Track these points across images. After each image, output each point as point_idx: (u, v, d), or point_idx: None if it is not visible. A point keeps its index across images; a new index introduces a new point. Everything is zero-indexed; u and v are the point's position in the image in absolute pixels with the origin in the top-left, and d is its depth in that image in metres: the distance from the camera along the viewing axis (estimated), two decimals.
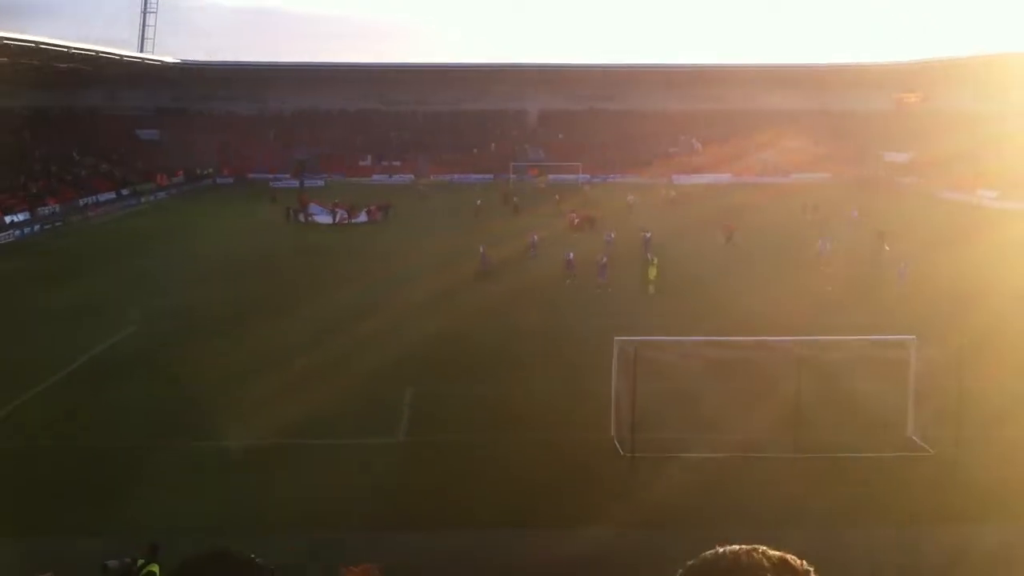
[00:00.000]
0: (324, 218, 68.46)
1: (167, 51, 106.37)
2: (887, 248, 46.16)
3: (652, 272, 41.40)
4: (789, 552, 1.92)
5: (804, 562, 1.88)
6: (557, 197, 76.12)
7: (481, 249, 47.06)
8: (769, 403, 24.24)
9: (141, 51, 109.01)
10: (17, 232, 63.62)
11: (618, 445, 22.56)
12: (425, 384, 28.00)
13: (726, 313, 35.55)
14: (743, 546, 1.89)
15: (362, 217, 68.57)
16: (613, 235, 52.35)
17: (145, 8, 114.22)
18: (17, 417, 25.68)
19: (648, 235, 50.24)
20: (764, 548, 1.88)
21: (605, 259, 42.90)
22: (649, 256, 43.42)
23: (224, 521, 18.50)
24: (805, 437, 22.05)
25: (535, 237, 50.85)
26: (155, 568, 13.92)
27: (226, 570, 2.09)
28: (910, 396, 23.12)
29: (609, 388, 23.39)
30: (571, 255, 44.25)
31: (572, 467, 21.69)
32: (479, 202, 71.73)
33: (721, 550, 1.90)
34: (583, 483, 20.87)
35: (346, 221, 67.27)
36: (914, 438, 22.70)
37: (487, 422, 24.68)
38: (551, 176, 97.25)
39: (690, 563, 1.90)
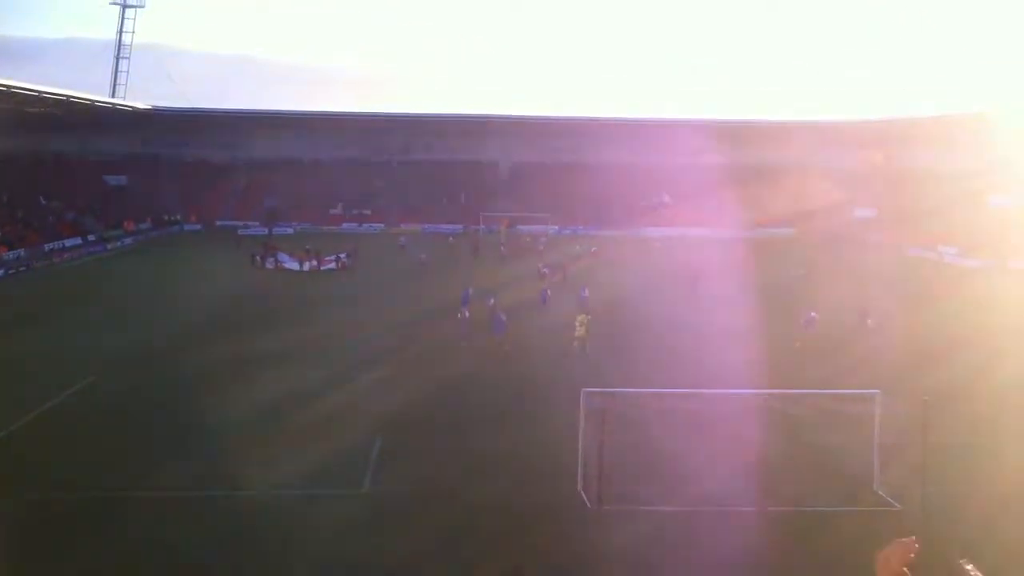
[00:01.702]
0: (292, 265, 68.78)
1: (140, 97, 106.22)
2: (870, 323, 44.28)
3: (580, 329, 39.45)
4: None
5: None
6: (502, 250, 77.35)
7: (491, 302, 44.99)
8: (736, 456, 24.24)
9: (113, 96, 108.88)
10: None
11: (585, 498, 22.42)
12: (393, 436, 27.74)
13: (690, 364, 35.68)
14: None
15: (330, 264, 68.76)
16: (587, 292, 50.47)
17: (118, 54, 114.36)
18: None
19: (585, 293, 49.26)
20: None
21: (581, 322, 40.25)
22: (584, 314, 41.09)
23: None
24: (772, 490, 22.01)
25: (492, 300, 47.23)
26: None
27: None
28: (875, 450, 23.17)
29: (575, 440, 23.29)
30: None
31: (538, 520, 21.47)
32: (423, 256, 71.46)
33: None
34: (548, 537, 20.64)
35: (316, 269, 67.51)
36: (880, 492, 22.71)
37: (452, 474, 24.45)
38: (520, 227, 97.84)
39: None
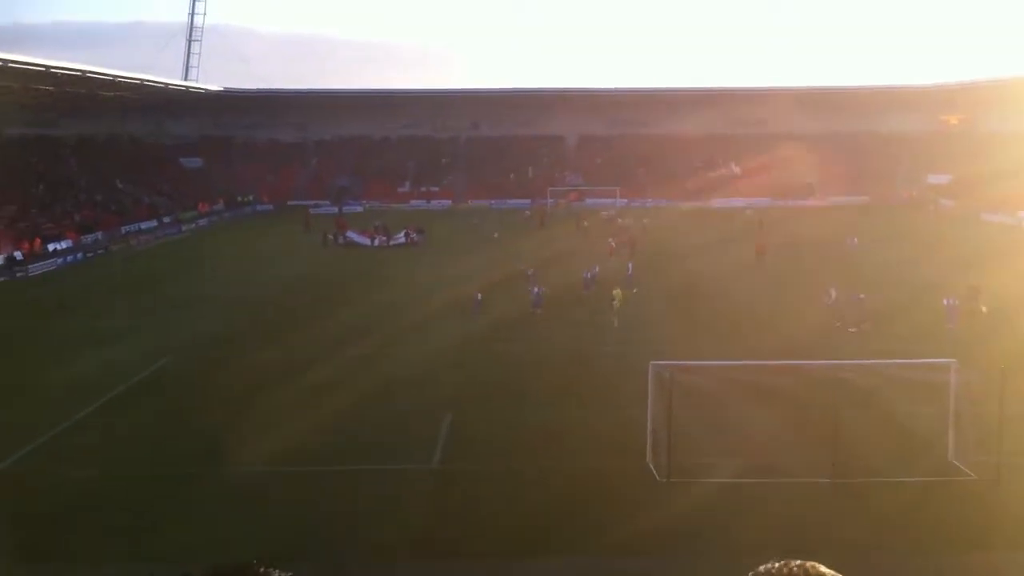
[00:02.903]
0: (363, 240, 70.41)
1: (211, 78, 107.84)
2: (984, 310, 39.11)
3: (616, 303, 40.27)
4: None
5: None
6: (586, 223, 76.50)
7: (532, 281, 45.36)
8: (806, 427, 24.02)
9: (185, 79, 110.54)
10: (60, 260, 64.52)
11: (654, 470, 22.39)
12: (463, 410, 27.97)
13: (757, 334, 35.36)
14: (790, 560, 1.91)
15: (400, 239, 70.13)
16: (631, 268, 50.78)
17: (190, 36, 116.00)
18: (53, 445, 25.88)
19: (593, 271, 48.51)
20: (812, 564, 1.90)
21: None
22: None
23: (256, 548, 18.48)
24: (844, 461, 21.77)
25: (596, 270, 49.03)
26: None
27: None
28: (951, 420, 22.78)
29: (644, 413, 23.27)
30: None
31: (608, 492, 21.53)
32: (496, 235, 71.24)
33: (768, 565, 1.92)
34: (619, 508, 20.69)
35: (385, 243, 69.17)
36: (956, 463, 22.34)
37: (524, 447, 24.59)
38: (588, 200, 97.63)
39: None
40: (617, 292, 41.04)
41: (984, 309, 38.86)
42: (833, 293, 40.84)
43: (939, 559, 17.77)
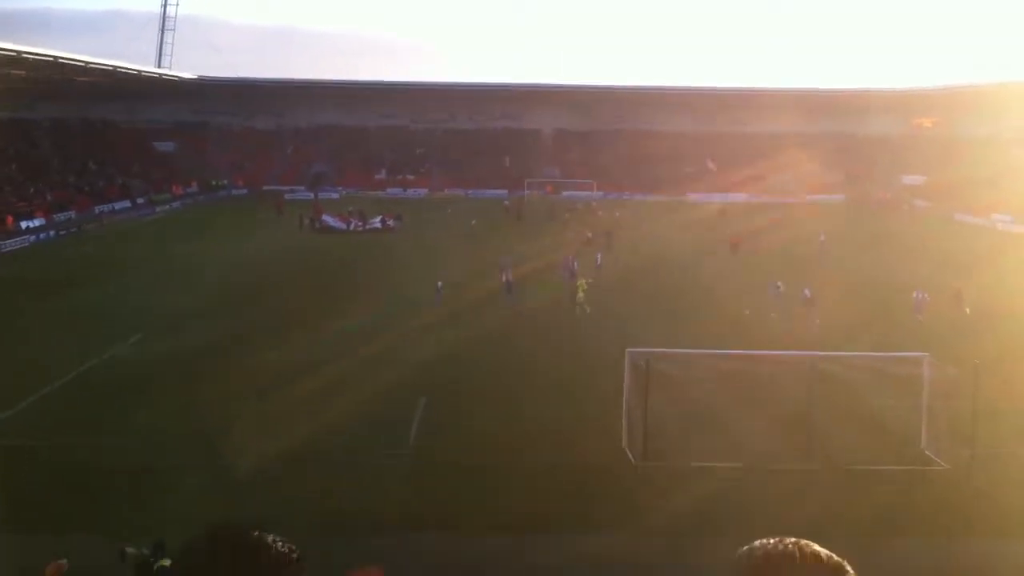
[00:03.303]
0: (339, 225, 71.24)
1: (184, 68, 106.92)
2: (968, 311, 38.83)
3: (581, 294, 40.71)
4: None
5: (843, 561, 1.92)
6: (567, 215, 76.77)
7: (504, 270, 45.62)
8: (782, 415, 24.16)
9: (159, 66, 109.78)
10: (32, 237, 63.96)
11: (629, 454, 22.48)
12: (438, 392, 27.97)
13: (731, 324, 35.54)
14: (784, 538, 1.94)
15: (376, 223, 71.21)
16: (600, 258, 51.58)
17: (163, 26, 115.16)
18: (23, 417, 25.70)
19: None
20: (806, 543, 1.93)
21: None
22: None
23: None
24: (818, 449, 21.93)
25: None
26: (166, 563, 13.76)
27: (239, 554, 1.94)
28: (924, 412, 23.00)
29: (619, 401, 23.38)
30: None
31: (583, 475, 21.62)
32: (473, 222, 70.79)
33: (762, 542, 1.94)
34: (594, 491, 20.79)
35: (361, 228, 70.09)
36: (928, 453, 22.54)
37: (498, 434, 24.62)
38: (565, 193, 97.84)
39: (738, 552, 1.95)
40: (582, 283, 41.61)
41: (968, 311, 38.77)
42: (780, 286, 40.92)
43: (911, 546, 17.92)
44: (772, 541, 1.91)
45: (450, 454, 22.90)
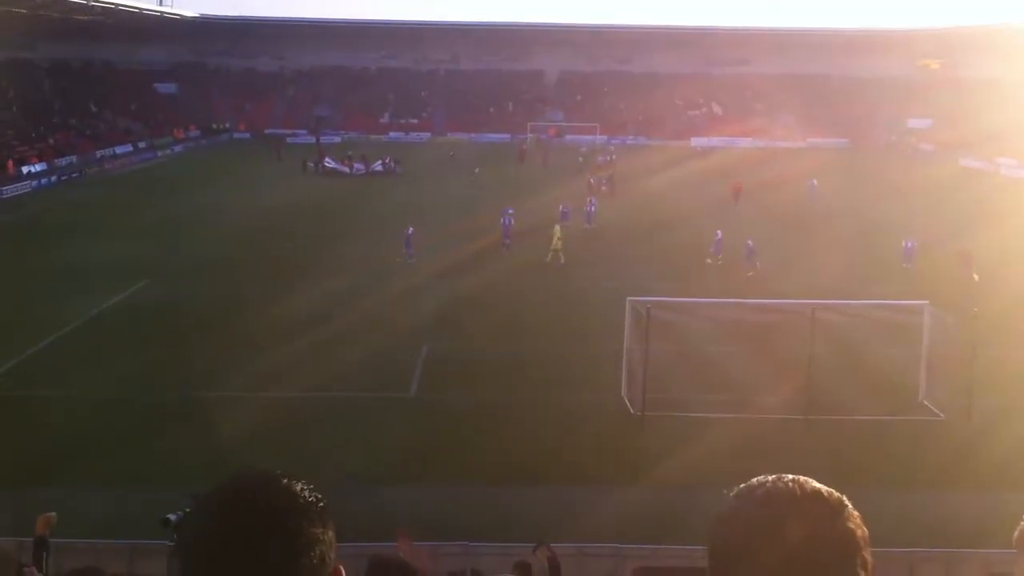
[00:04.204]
0: (342, 168, 71.37)
1: (187, 5, 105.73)
2: (976, 278, 35.66)
3: (556, 241, 40.24)
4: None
5: (843, 496, 1.89)
6: (581, 159, 76.06)
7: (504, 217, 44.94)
8: (781, 365, 24.24)
9: (160, 3, 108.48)
10: (34, 183, 63.78)
11: (628, 403, 22.64)
12: (440, 342, 28.12)
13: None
14: (783, 475, 1.92)
15: (377, 166, 71.55)
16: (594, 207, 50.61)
17: None
18: (25, 367, 25.88)
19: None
20: (805, 479, 1.90)
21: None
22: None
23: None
24: (817, 399, 22.06)
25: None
26: None
27: (268, 500, 1.88)
28: (923, 362, 23.09)
29: (620, 348, 23.49)
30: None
31: (582, 424, 21.83)
32: (476, 170, 67.33)
33: (760, 478, 1.93)
34: (594, 439, 21.00)
35: (363, 172, 70.18)
36: (926, 403, 22.67)
37: (498, 378, 24.79)
38: (568, 137, 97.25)
39: (736, 488, 1.93)
40: (556, 229, 41.05)
41: (976, 277, 35.96)
42: (719, 235, 40.14)
43: (907, 496, 18.08)
44: (771, 478, 1.90)
45: (449, 405, 23.12)
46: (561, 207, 47.37)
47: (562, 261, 39.32)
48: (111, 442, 20.46)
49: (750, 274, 36.83)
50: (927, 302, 23.75)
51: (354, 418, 22.16)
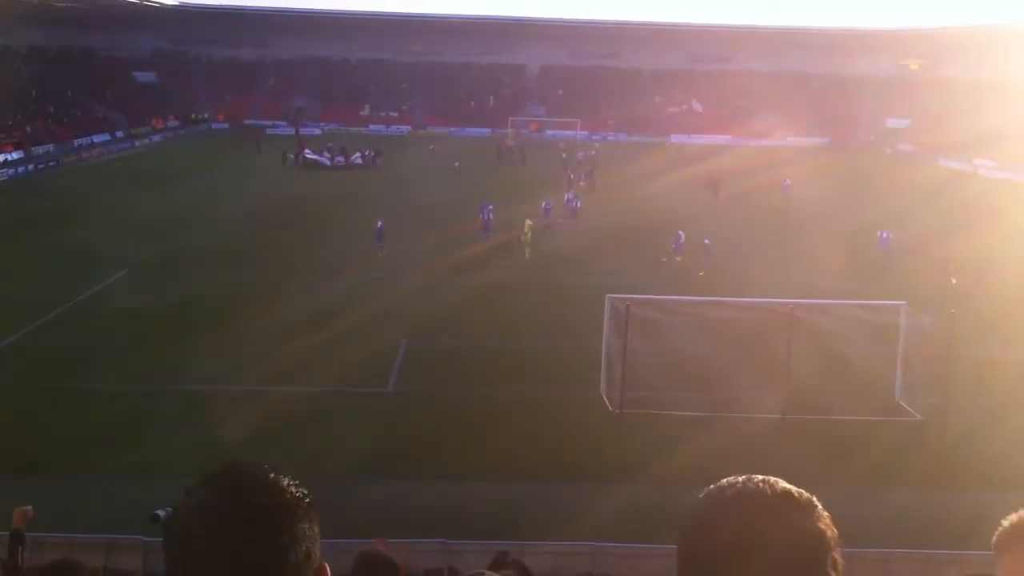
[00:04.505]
0: (322, 160, 71.67)
1: None
2: (954, 282, 34.47)
3: (527, 234, 40.52)
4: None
5: (812, 496, 1.90)
6: (564, 155, 76.04)
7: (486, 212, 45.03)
8: (760, 364, 24.31)
9: None
10: (10, 171, 63.26)
11: (607, 400, 22.67)
12: (419, 337, 28.06)
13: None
14: (753, 475, 1.92)
15: (357, 159, 71.80)
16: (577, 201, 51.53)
17: None
18: (7, 356, 25.68)
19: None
20: (775, 479, 1.91)
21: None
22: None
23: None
24: (795, 398, 22.14)
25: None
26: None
27: (253, 495, 1.88)
28: (899, 361, 23.21)
29: (599, 345, 23.51)
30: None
31: (561, 420, 21.84)
32: (456, 164, 69.06)
33: (730, 479, 1.93)
34: (572, 436, 21.01)
35: (342, 164, 70.49)
36: (902, 403, 22.80)
37: (476, 375, 24.78)
38: (549, 132, 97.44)
39: (706, 489, 1.94)
40: (528, 223, 41.13)
41: (954, 281, 34.76)
42: (682, 235, 40.09)
43: (885, 496, 18.16)
44: (741, 479, 1.91)
45: (426, 400, 23.10)
46: (544, 204, 47.46)
47: (527, 257, 39.46)
48: (94, 435, 20.31)
49: (701, 273, 36.93)
50: (904, 302, 23.87)
51: (332, 413, 22.07)
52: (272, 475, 1.94)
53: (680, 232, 40.04)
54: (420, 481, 18.76)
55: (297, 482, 1.94)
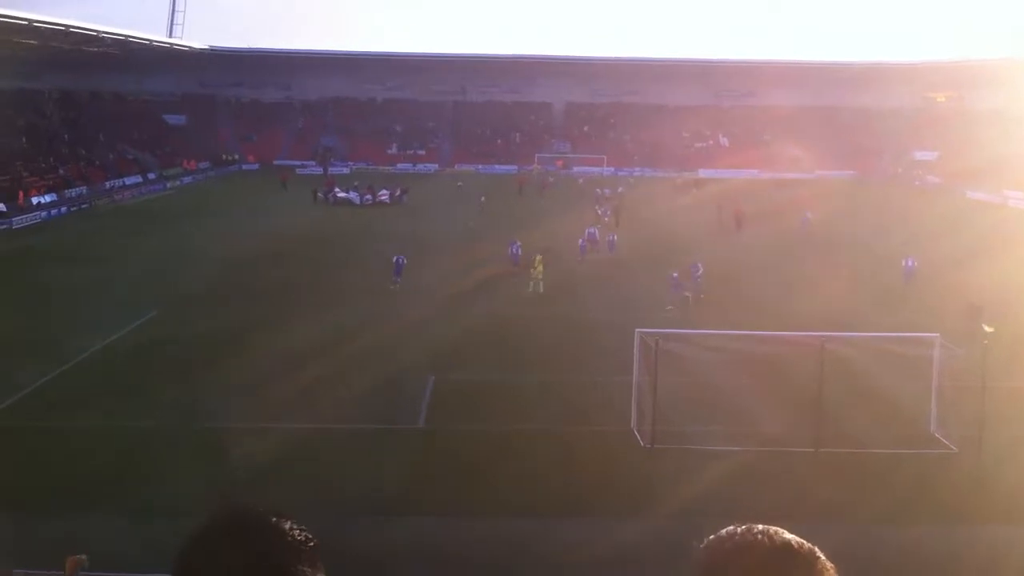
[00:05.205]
0: (352, 197, 72.74)
1: (195, 33, 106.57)
2: (988, 329, 27.55)
3: (538, 268, 40.23)
4: (803, 539, 1.93)
5: (814, 548, 1.87)
6: (598, 190, 75.99)
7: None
8: (791, 397, 24.15)
9: (170, 35, 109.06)
10: (44, 213, 64.03)
11: (638, 436, 22.54)
12: (446, 372, 28.06)
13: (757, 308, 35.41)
14: (753, 526, 1.90)
15: (384, 196, 72.62)
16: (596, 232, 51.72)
17: None
18: (39, 396, 25.85)
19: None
20: (775, 529, 1.89)
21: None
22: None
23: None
24: (827, 431, 21.94)
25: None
26: None
27: (253, 541, 1.89)
28: (933, 393, 22.96)
29: (627, 379, 23.42)
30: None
31: (592, 457, 21.70)
32: (482, 198, 69.33)
33: (730, 529, 1.91)
34: (603, 473, 20.86)
35: (370, 202, 71.54)
36: (937, 435, 22.55)
37: (506, 411, 24.71)
38: (575, 168, 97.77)
39: (706, 540, 1.92)
40: (539, 257, 40.87)
41: (988, 328, 27.89)
42: (700, 267, 39.37)
43: (918, 530, 17.94)
44: (740, 530, 1.89)
45: (456, 437, 23.04)
46: (580, 241, 47.69)
47: (541, 290, 39.44)
48: (121, 473, 20.41)
49: (702, 296, 37.03)
50: (938, 334, 23.63)
51: (360, 449, 22.06)
52: (274, 519, 1.95)
53: (698, 264, 39.63)
54: (449, 518, 18.65)
55: (302, 526, 1.95)
